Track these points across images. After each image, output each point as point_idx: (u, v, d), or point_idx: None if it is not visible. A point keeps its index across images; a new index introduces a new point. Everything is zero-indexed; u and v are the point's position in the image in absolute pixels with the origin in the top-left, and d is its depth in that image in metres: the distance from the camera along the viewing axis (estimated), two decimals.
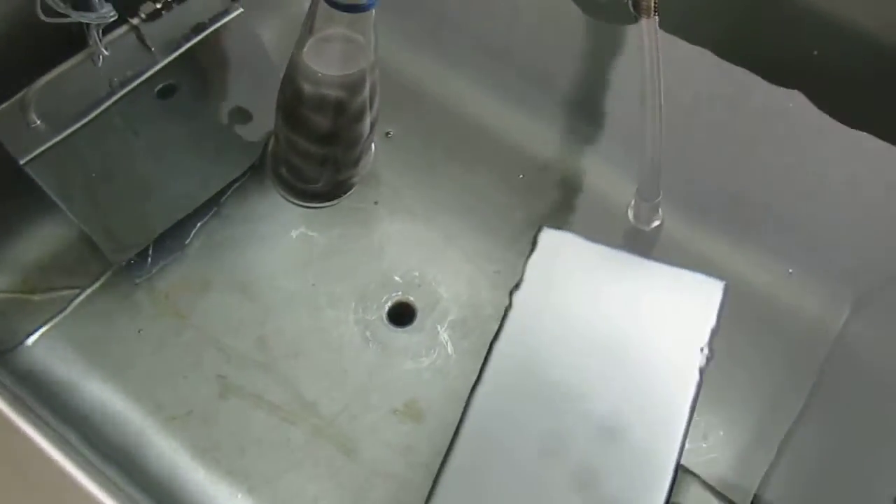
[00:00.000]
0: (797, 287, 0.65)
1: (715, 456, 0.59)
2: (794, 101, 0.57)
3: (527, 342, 0.56)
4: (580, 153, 0.72)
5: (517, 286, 0.58)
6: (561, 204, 0.70)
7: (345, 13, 0.44)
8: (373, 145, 0.58)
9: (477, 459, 0.53)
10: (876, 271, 0.63)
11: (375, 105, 0.53)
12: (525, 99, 0.74)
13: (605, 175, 0.70)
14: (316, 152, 0.55)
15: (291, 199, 0.60)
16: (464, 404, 0.56)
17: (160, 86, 0.64)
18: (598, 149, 0.72)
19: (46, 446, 0.42)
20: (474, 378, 0.64)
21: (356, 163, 0.57)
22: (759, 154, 0.63)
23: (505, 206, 0.71)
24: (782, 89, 0.57)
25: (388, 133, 0.71)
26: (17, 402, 0.44)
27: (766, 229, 0.65)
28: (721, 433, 0.60)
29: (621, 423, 0.53)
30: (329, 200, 0.60)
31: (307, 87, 0.50)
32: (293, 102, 0.52)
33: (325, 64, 0.49)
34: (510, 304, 0.58)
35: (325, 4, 0.44)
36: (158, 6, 0.58)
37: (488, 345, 0.64)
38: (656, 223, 0.58)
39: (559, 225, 0.62)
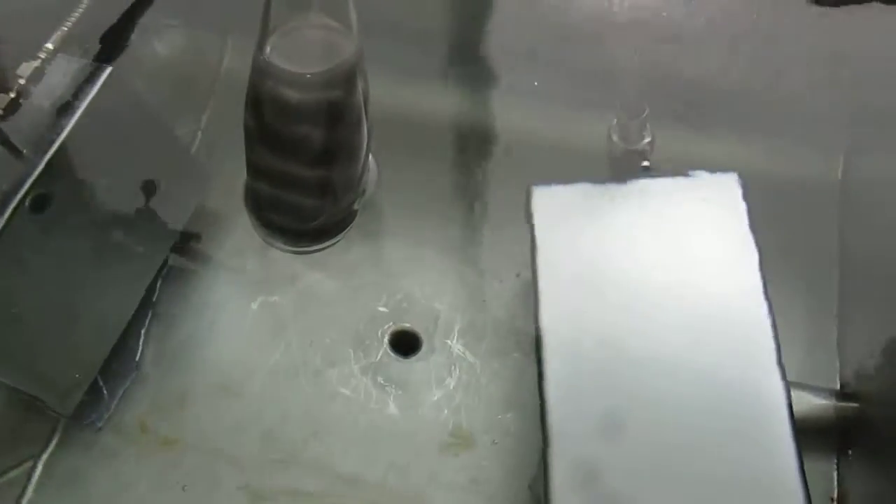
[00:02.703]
0: (792, 159, 0.63)
1: (789, 348, 0.56)
2: None
3: (572, 310, 0.50)
4: (518, 109, 0.67)
5: (534, 257, 0.52)
6: (528, 164, 0.64)
7: None
8: (371, 160, 0.50)
9: (580, 443, 0.46)
10: (854, 122, 0.62)
11: (369, 104, 0.44)
12: (434, 72, 0.69)
13: (554, 118, 0.65)
14: (312, 177, 0.45)
15: (291, 249, 0.51)
16: (538, 398, 0.49)
17: (30, 198, 0.53)
18: (534, 98, 0.66)
19: None
20: (508, 377, 0.58)
21: (357, 183, 0.48)
22: (722, 46, 0.61)
23: (464, 190, 0.65)
24: None
25: None
26: None
27: (744, 116, 0.63)
28: (783, 322, 0.57)
29: (709, 361, 0.48)
30: (334, 237, 0.51)
31: (290, 95, 0.41)
32: (274, 120, 0.42)
33: (303, 61, 0.40)
34: (536, 279, 0.51)
35: None
36: (13, 95, 0.48)
37: (505, 345, 0.58)
38: (647, 139, 0.53)
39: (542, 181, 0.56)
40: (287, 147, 0.44)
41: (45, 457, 0.54)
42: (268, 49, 0.41)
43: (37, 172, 0.50)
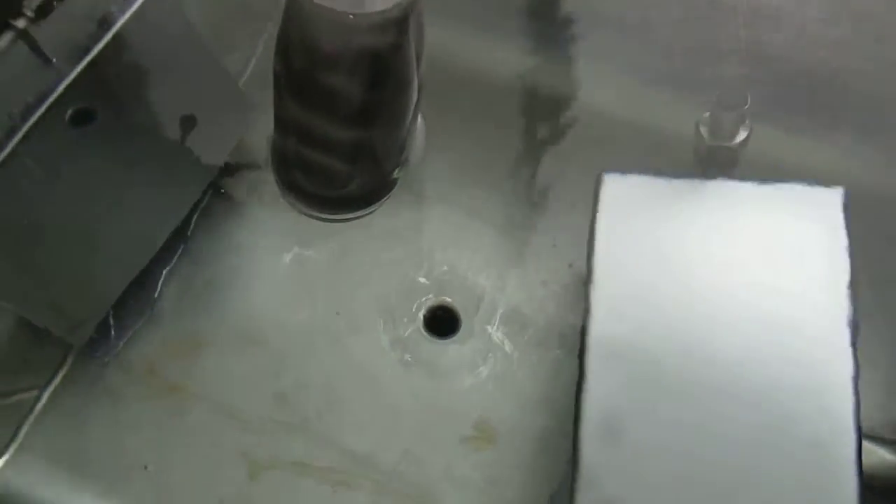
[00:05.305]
0: None
1: (865, 391, 0.49)
2: None
3: (627, 315, 0.45)
4: (598, 80, 0.60)
5: (591, 252, 0.47)
6: (601, 144, 0.57)
7: None
8: (420, 120, 0.44)
9: (612, 469, 0.42)
10: None
11: (423, 60, 0.38)
12: (504, 26, 0.62)
13: (638, 96, 0.58)
14: (346, 139, 0.39)
15: (313, 214, 0.46)
16: (574, 405, 0.44)
17: (71, 111, 0.49)
18: (618, 70, 0.59)
19: None
20: (545, 375, 0.53)
21: (401, 149, 0.42)
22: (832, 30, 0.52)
23: (525, 164, 0.59)
24: None
25: None
26: None
27: (851, 114, 0.55)
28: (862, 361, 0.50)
29: (774, 391, 0.42)
30: (365, 207, 0.45)
31: (326, 42, 0.35)
32: (305, 69, 0.36)
33: (348, 1, 0.35)
34: (591, 275, 0.46)
35: None
36: None
37: (547, 338, 0.53)
38: (743, 135, 0.46)
39: (610, 168, 0.50)
40: (317, 103, 0.38)
41: (51, 388, 0.51)
42: None
43: (65, 83, 0.46)
